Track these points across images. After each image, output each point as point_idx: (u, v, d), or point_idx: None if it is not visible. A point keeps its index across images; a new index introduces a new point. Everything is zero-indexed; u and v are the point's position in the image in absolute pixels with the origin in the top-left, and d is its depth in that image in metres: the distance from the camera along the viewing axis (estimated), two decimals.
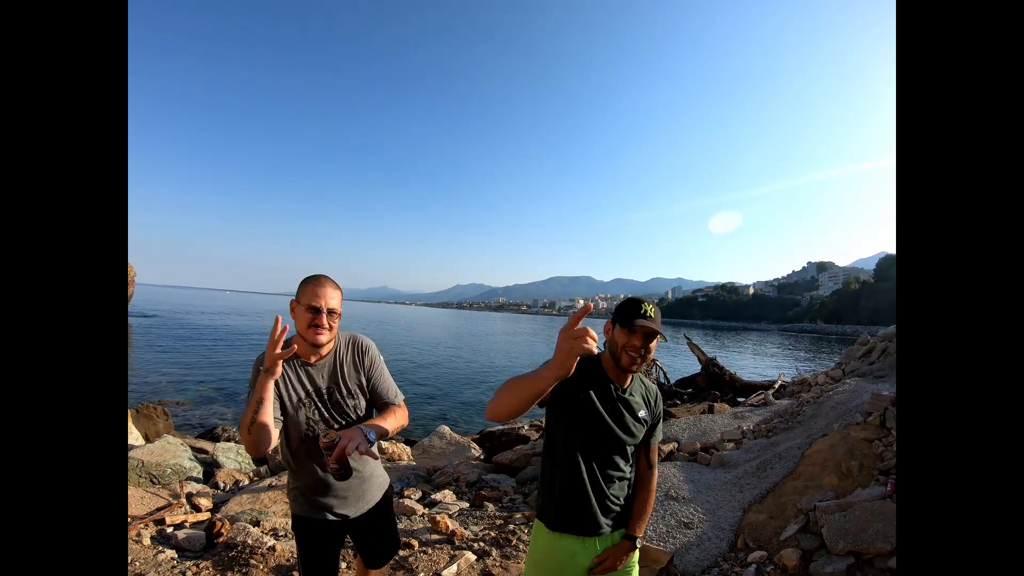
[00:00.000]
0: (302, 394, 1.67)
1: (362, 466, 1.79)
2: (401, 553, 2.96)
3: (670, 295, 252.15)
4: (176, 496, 3.88)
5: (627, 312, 1.47)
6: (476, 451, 7.82)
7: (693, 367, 11.37)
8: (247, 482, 4.93)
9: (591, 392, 1.49)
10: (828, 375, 7.02)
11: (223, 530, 3.00)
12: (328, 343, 1.68)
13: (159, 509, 3.48)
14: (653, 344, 1.46)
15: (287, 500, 3.72)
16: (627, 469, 1.59)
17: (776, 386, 8.68)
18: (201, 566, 2.55)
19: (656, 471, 1.65)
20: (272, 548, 2.77)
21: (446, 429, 8.72)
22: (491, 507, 4.29)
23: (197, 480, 4.80)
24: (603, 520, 1.53)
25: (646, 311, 1.44)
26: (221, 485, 4.78)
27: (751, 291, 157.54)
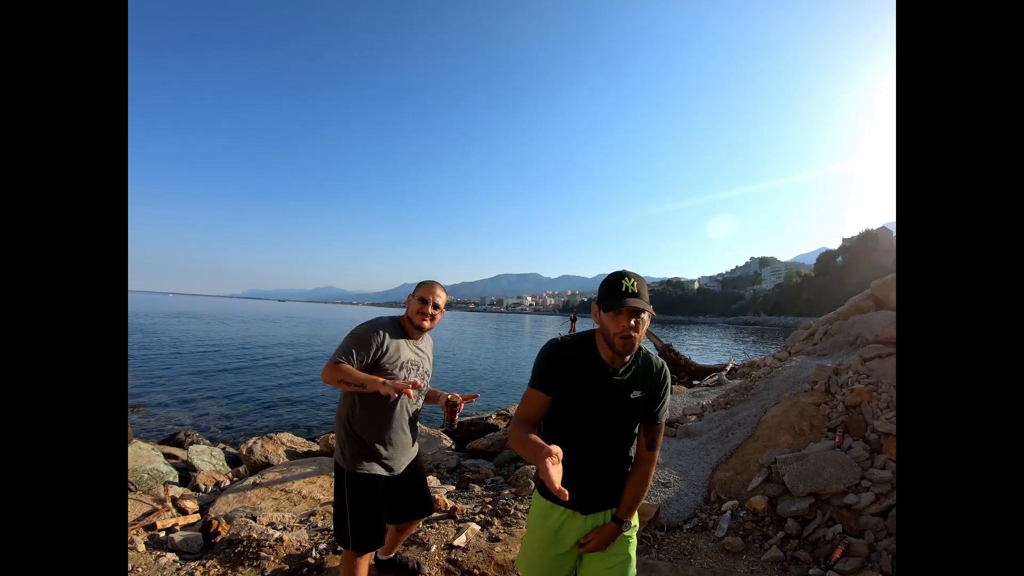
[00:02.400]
0: (408, 361, 2.12)
1: (416, 421, 2.27)
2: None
3: None
4: (161, 501, 3.81)
5: (610, 293, 1.39)
6: (447, 441, 7.98)
7: None
8: (228, 483, 4.89)
9: (580, 378, 1.48)
10: (775, 357, 7.67)
11: (220, 529, 2.98)
12: (428, 330, 2.22)
13: (146, 515, 3.43)
14: (644, 317, 1.40)
15: (274, 497, 3.84)
16: (623, 450, 1.58)
17: (728, 369, 9.35)
18: (208, 565, 2.55)
19: (656, 454, 1.58)
20: (280, 539, 2.79)
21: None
22: (477, 488, 4.48)
23: (176, 484, 4.70)
24: (589, 500, 1.54)
25: (628, 288, 1.37)
26: (202, 487, 4.70)
27: (696, 286, 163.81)
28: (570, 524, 1.55)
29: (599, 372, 1.48)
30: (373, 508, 2.05)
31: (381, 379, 1.90)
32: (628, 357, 1.47)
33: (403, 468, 2.19)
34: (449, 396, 2.22)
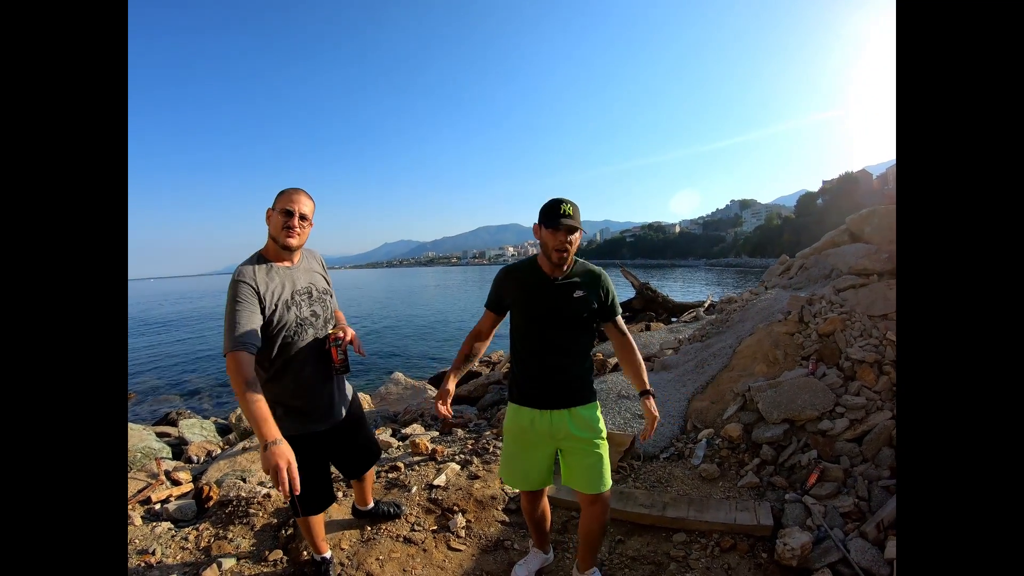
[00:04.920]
0: (289, 294, 1.80)
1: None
2: (391, 475, 3.13)
3: (598, 237, 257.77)
4: (154, 475, 3.82)
5: (551, 214, 1.66)
6: (432, 391, 8.07)
7: (629, 294, 12.15)
8: (219, 451, 4.91)
9: (527, 289, 1.79)
10: (751, 292, 7.74)
11: (212, 493, 2.99)
12: (298, 248, 1.86)
13: (140, 491, 3.43)
14: (575, 237, 1.69)
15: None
16: (577, 348, 1.83)
17: (706, 305, 9.47)
18: (201, 528, 2.57)
19: (631, 337, 1.91)
20: (267, 495, 2.82)
21: (400, 375, 8.88)
22: (460, 432, 4.52)
23: (168, 459, 4.73)
24: (551, 397, 1.81)
25: (565, 211, 1.64)
26: (194, 458, 4.74)
27: (677, 229, 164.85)
28: (539, 421, 1.82)
29: (542, 281, 1.78)
30: (313, 468, 1.86)
31: (272, 438, 1.42)
32: (565, 268, 1.77)
33: (340, 415, 1.98)
34: (331, 332, 1.89)
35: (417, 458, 3.51)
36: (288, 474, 1.39)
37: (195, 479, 3.69)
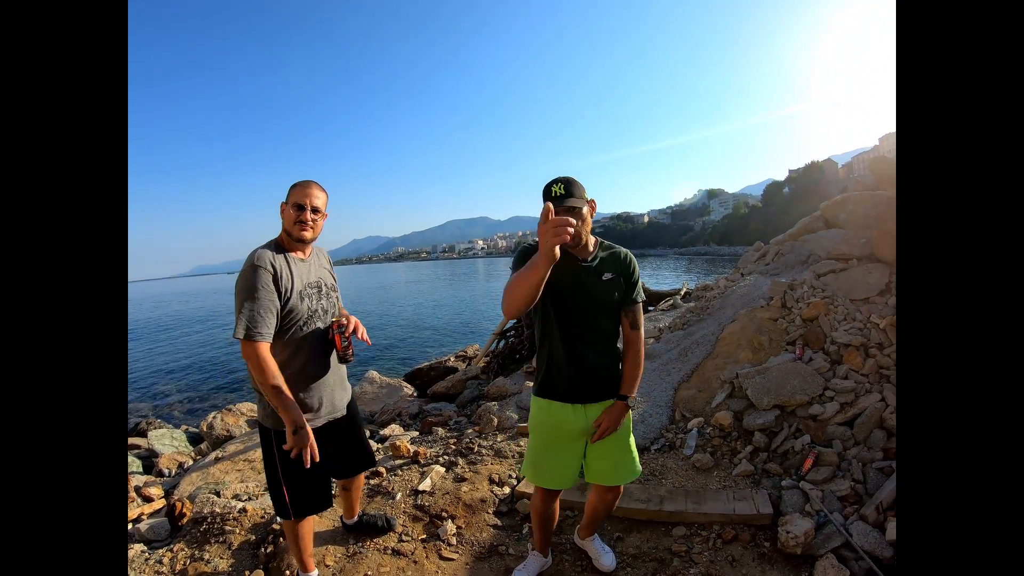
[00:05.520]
0: (303, 285, 1.80)
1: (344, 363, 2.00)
2: (372, 481, 2.98)
3: None
4: None
5: (544, 197, 1.52)
6: (408, 389, 7.91)
7: None
8: (191, 462, 4.67)
9: (555, 273, 1.54)
10: (727, 279, 7.82)
11: (185, 510, 2.80)
12: (312, 241, 1.85)
13: None
14: (582, 212, 1.53)
15: (238, 468, 3.62)
16: (611, 337, 1.73)
17: (682, 293, 9.56)
18: (176, 549, 2.40)
19: (641, 333, 1.76)
20: (243, 510, 2.65)
21: (375, 374, 8.66)
22: (440, 431, 4.40)
23: (139, 473, 4.46)
24: (587, 390, 1.70)
25: (555, 191, 1.51)
26: (166, 472, 4.49)
27: (646, 219, 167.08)
28: (571, 417, 1.70)
29: (570, 263, 1.63)
30: (307, 466, 1.78)
31: (298, 420, 1.65)
32: (589, 249, 1.67)
33: (336, 410, 1.94)
34: (334, 319, 1.88)
35: (399, 461, 3.38)
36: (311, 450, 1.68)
37: (167, 494, 3.49)
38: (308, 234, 1.79)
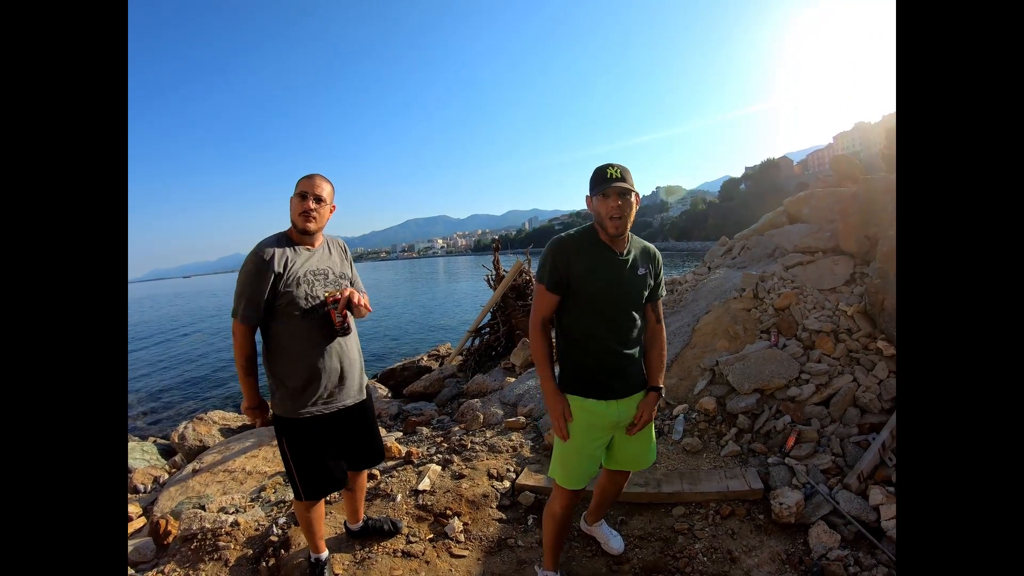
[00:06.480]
0: (304, 271, 1.83)
1: (352, 346, 2.00)
2: (368, 484, 2.96)
3: (527, 226, 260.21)
4: None
5: (598, 180, 1.56)
6: (383, 390, 7.80)
7: None
8: (167, 476, 4.47)
9: (590, 263, 1.61)
10: (695, 273, 8.10)
11: (170, 528, 2.67)
12: (318, 232, 1.90)
13: None
14: (631, 200, 1.56)
15: (219, 480, 3.51)
16: (641, 325, 1.73)
17: None
18: (167, 570, 2.28)
19: (664, 326, 1.81)
20: (235, 523, 2.56)
21: None
22: (425, 430, 4.39)
23: None
24: (620, 385, 1.69)
25: (611, 174, 1.53)
26: (141, 487, 4.28)
27: None
28: (605, 412, 1.68)
29: (606, 255, 1.63)
30: (315, 450, 1.87)
31: (251, 400, 1.87)
32: (625, 241, 1.65)
33: (348, 400, 1.95)
34: (327, 292, 1.88)
35: (392, 463, 3.36)
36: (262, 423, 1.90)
37: (146, 511, 3.35)
38: (312, 225, 1.84)
